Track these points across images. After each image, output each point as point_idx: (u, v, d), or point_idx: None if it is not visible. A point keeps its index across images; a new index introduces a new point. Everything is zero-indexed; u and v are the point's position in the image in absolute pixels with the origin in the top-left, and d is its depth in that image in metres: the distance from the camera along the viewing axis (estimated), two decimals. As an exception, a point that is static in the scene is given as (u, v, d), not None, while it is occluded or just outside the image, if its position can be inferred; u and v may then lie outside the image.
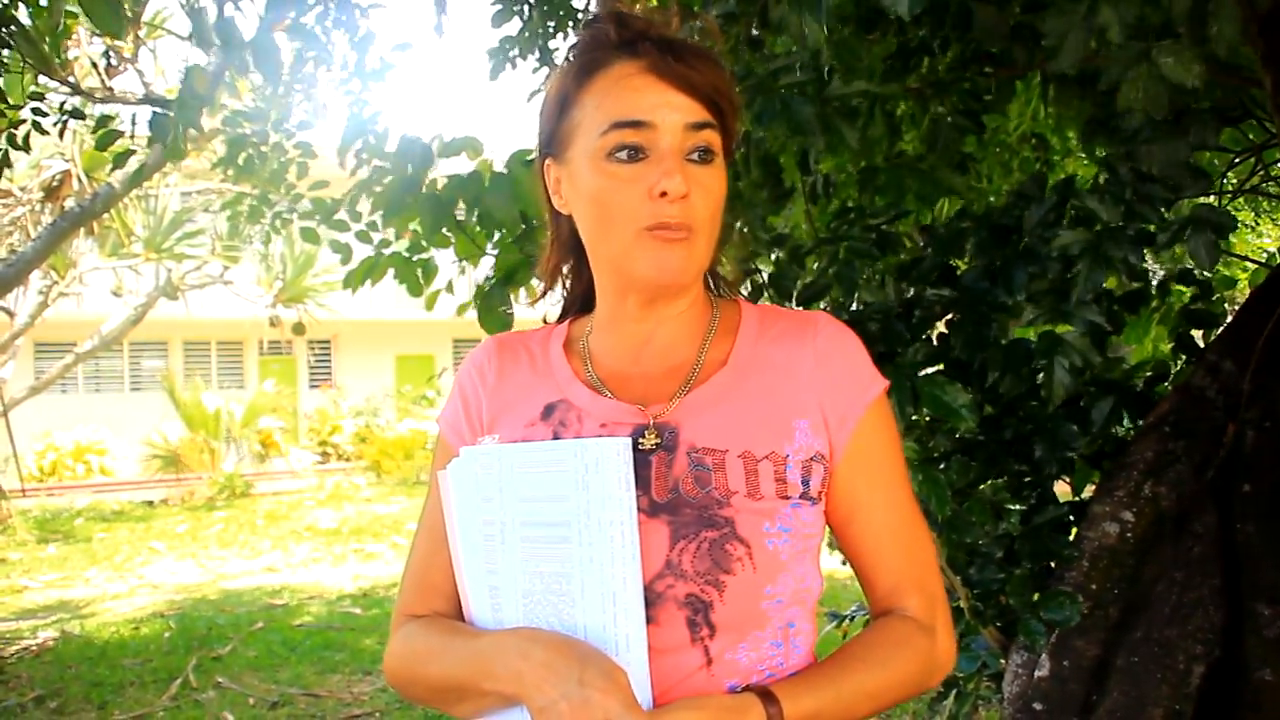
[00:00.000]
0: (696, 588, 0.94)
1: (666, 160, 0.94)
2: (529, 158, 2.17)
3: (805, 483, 0.97)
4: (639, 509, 0.93)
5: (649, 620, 0.92)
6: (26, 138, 3.81)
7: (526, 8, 3.62)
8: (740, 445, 0.96)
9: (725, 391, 1.00)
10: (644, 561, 0.92)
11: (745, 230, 2.21)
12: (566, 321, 1.12)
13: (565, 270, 1.11)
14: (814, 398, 1.00)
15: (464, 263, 2.51)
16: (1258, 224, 5.91)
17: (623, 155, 0.95)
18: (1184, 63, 1.63)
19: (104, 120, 3.84)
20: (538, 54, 3.71)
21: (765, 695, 0.91)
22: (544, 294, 1.15)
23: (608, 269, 1.02)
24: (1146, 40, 1.67)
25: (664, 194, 0.93)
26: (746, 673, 0.95)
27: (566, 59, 1.02)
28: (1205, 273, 2.24)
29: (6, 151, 3.78)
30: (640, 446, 0.97)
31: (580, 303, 1.12)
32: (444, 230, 2.39)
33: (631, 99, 0.95)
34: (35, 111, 3.82)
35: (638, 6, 1.03)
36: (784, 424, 0.98)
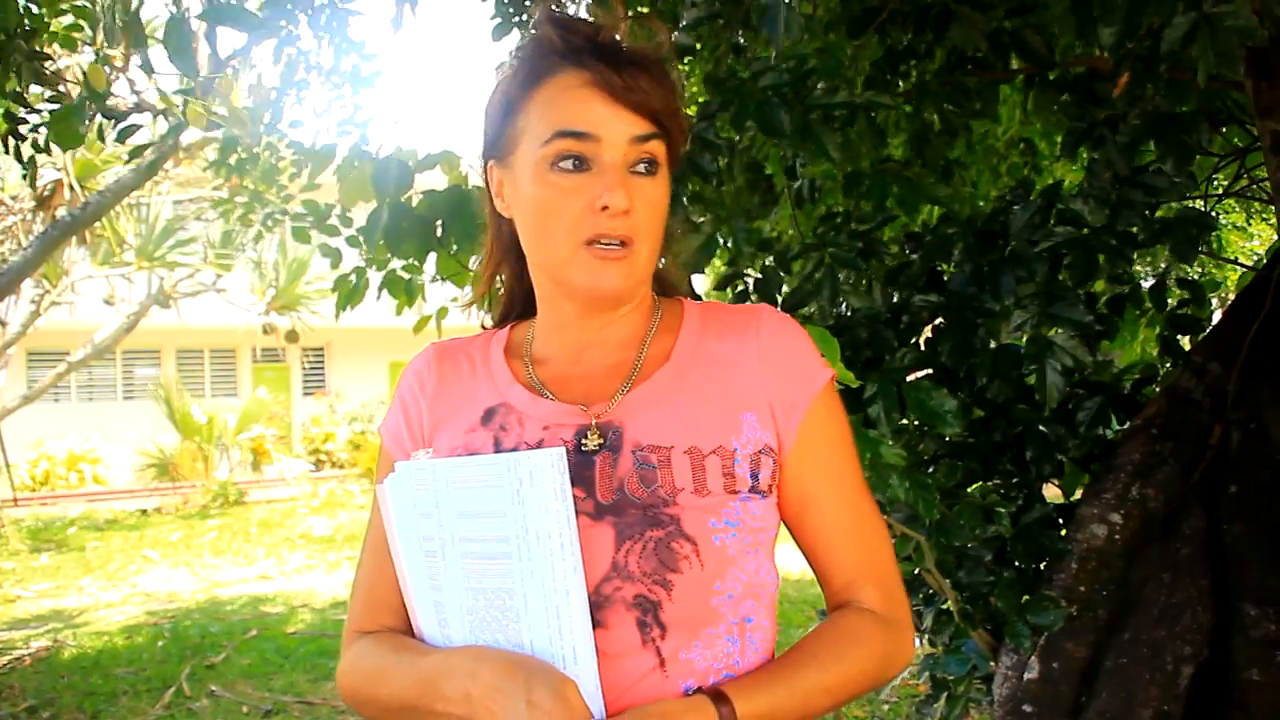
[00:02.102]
0: (644, 588, 0.92)
1: (609, 174, 0.94)
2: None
3: (754, 476, 0.96)
4: (584, 512, 0.92)
5: (598, 624, 0.91)
6: (18, 147, 3.78)
7: (525, 18, 3.63)
8: (686, 440, 0.95)
9: (669, 387, 0.99)
10: (590, 565, 0.91)
11: (730, 235, 2.21)
12: (507, 327, 1.11)
13: (504, 274, 1.10)
14: (760, 391, 0.99)
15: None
16: (1249, 225, 5.93)
17: (567, 165, 0.94)
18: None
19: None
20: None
21: (717, 696, 0.89)
22: (481, 298, 1.13)
23: (546, 276, 1.02)
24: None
25: (605, 208, 0.93)
26: (703, 673, 0.94)
27: (510, 62, 1.01)
28: (1187, 269, 2.26)
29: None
30: (584, 448, 0.96)
31: (520, 307, 1.11)
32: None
33: (577, 110, 0.94)
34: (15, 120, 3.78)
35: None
36: (731, 417, 0.97)
